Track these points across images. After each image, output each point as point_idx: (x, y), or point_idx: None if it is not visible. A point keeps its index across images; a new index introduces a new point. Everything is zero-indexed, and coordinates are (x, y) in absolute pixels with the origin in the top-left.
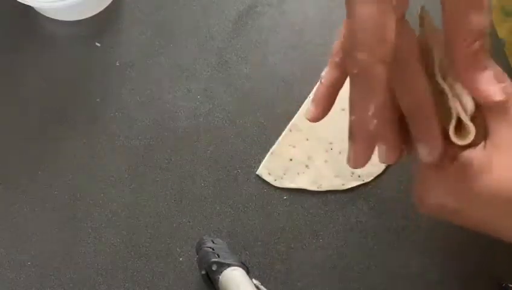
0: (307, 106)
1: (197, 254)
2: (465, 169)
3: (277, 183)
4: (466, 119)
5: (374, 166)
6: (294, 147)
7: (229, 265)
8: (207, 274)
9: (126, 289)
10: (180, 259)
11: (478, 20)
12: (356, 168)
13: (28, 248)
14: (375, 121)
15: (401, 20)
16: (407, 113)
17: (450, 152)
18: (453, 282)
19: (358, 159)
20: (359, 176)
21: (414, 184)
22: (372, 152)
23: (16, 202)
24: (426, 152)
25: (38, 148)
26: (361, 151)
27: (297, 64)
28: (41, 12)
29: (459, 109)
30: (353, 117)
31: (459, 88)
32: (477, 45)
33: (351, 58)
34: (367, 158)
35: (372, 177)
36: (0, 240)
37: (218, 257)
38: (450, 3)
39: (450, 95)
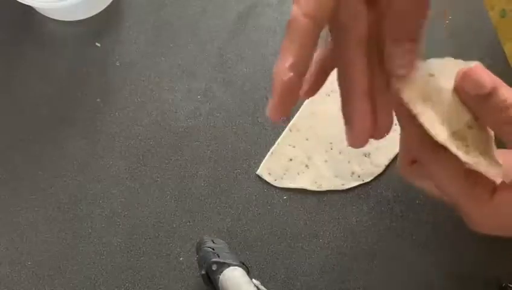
0: (306, 106)
1: (197, 254)
2: (507, 206)
3: (277, 183)
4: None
5: (374, 166)
6: (294, 147)
7: (229, 265)
8: (207, 274)
9: (126, 289)
10: (180, 259)
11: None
12: (273, 121)
13: (28, 248)
14: (290, 73)
15: None
16: (340, 88)
17: (487, 183)
18: (452, 282)
19: (274, 111)
20: (359, 176)
21: (464, 218)
22: (288, 106)
23: (16, 202)
24: (351, 135)
25: (38, 148)
26: (276, 103)
27: None
28: (41, 12)
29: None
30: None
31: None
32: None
33: (291, 12)
34: (283, 111)
35: (372, 177)
36: (0, 240)
37: (218, 257)
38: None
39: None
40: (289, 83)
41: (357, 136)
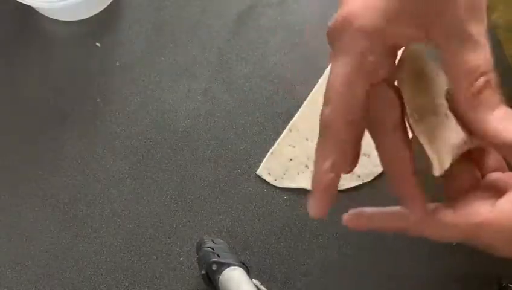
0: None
1: (197, 254)
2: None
3: (277, 183)
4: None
5: (374, 166)
6: (294, 147)
7: (229, 265)
8: (207, 274)
9: (126, 289)
10: (180, 259)
11: (475, 56)
12: (316, 218)
13: (28, 248)
14: (331, 174)
15: (380, 84)
16: (388, 175)
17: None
18: (452, 282)
19: (316, 208)
20: (359, 176)
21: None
22: (329, 203)
23: (16, 202)
24: (411, 213)
25: (38, 148)
26: (318, 201)
27: (297, 64)
28: (41, 12)
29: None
30: (313, 168)
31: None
32: (481, 81)
33: (321, 111)
34: (324, 209)
35: (372, 177)
36: (0, 240)
37: (218, 256)
38: (442, 44)
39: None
40: (330, 182)
41: (414, 213)
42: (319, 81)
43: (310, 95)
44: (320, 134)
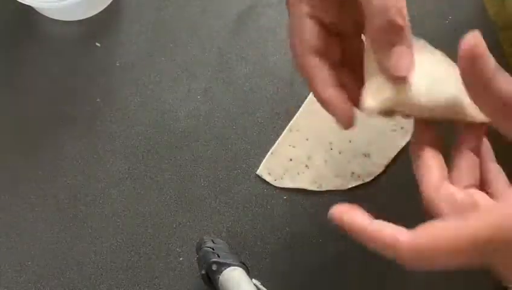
0: (306, 107)
1: (197, 254)
2: None
3: (277, 183)
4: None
5: (374, 166)
6: (294, 147)
7: (229, 265)
8: (207, 274)
9: (126, 289)
10: (180, 259)
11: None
12: (347, 128)
13: (28, 248)
14: (331, 89)
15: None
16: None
17: None
18: (453, 282)
19: (342, 120)
20: (359, 176)
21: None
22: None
23: (15, 202)
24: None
25: (38, 148)
26: (339, 112)
27: None
28: (41, 12)
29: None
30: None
31: None
32: (386, 21)
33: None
34: (348, 116)
35: (372, 177)
36: (0, 240)
37: (218, 257)
38: None
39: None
40: (335, 95)
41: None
42: None
43: (310, 95)
44: (417, 159)
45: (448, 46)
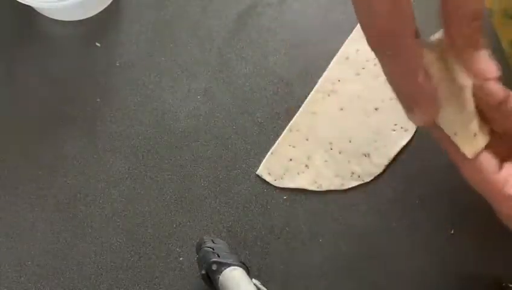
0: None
1: (197, 254)
2: None
3: (277, 183)
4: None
5: (374, 166)
6: (294, 147)
7: (229, 265)
8: (207, 274)
9: (126, 289)
10: (180, 259)
11: (475, 2)
12: (428, 125)
13: (28, 248)
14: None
15: None
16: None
17: None
18: (453, 282)
19: (422, 116)
20: (359, 176)
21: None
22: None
23: (16, 202)
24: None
25: (38, 148)
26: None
27: (297, 64)
28: (41, 12)
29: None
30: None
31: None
32: (475, 24)
33: None
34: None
35: (372, 177)
36: (0, 240)
37: (218, 256)
38: None
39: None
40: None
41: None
42: (319, 81)
43: (310, 95)
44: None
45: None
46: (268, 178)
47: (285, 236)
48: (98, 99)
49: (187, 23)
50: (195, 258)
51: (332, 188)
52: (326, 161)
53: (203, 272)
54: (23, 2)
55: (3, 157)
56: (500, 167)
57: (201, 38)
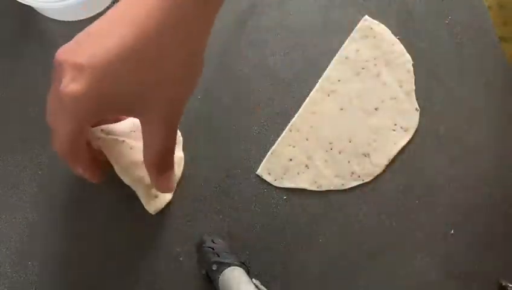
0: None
1: (197, 254)
2: None
3: (277, 183)
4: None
5: (374, 166)
6: (294, 147)
7: (229, 265)
8: (207, 274)
9: (126, 289)
10: (180, 259)
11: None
12: (95, 181)
13: (28, 248)
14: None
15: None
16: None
17: None
18: (452, 282)
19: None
20: (359, 176)
21: None
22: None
23: (16, 202)
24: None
25: (38, 148)
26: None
27: (297, 65)
28: (41, 13)
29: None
30: None
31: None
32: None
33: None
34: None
35: (372, 177)
36: (1, 240)
37: (218, 256)
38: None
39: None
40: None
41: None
42: (319, 81)
43: (309, 95)
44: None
45: (447, 46)
46: (268, 178)
47: (285, 236)
48: None
49: None
50: (196, 258)
51: (332, 188)
52: (326, 161)
53: (203, 272)
54: (23, 2)
55: (4, 157)
56: None
57: None
